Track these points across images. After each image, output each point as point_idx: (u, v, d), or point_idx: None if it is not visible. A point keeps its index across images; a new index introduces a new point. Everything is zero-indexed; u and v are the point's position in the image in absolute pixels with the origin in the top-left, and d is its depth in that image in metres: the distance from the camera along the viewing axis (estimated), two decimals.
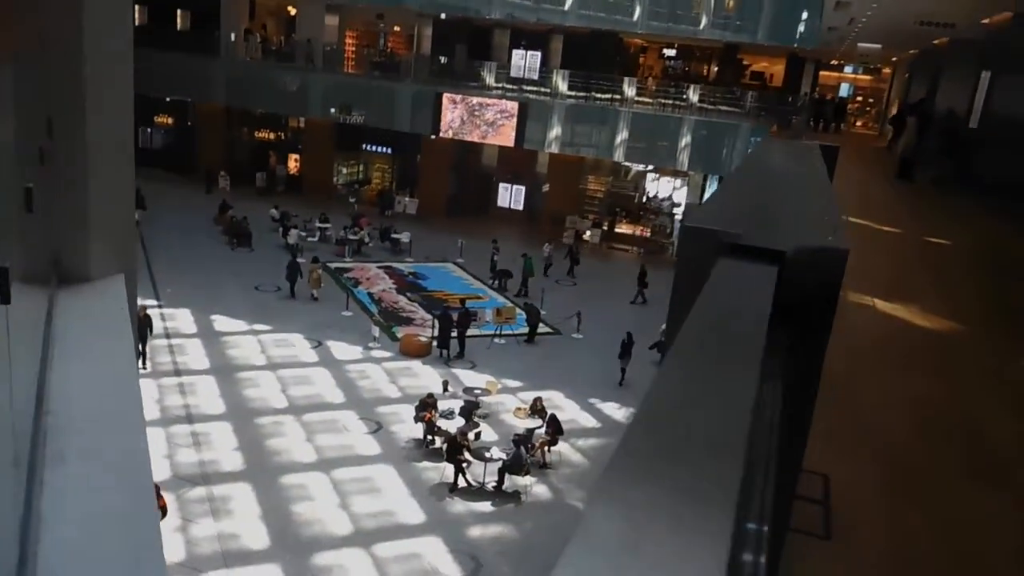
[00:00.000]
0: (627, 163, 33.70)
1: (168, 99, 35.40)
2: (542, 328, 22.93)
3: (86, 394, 2.92)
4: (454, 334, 20.81)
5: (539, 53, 32.62)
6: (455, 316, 21.16)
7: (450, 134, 31.77)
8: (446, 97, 31.33)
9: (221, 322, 21.68)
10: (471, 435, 15.77)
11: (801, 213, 1.89)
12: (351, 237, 28.99)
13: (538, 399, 17.53)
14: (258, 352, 20.22)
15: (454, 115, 31.29)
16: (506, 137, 31.13)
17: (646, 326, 21.83)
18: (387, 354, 20.76)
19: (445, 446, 15.31)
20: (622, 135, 30.20)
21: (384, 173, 38.01)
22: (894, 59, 35.19)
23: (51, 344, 3.18)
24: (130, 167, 4.26)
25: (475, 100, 31.12)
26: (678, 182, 33.86)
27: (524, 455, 15.13)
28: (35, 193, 3.22)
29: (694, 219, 1.41)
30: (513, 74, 32.56)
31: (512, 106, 30.83)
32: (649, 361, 21.26)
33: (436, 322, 21.32)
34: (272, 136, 38.26)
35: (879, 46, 29.69)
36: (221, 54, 34.35)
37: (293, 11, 38.04)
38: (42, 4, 3.46)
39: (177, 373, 18.38)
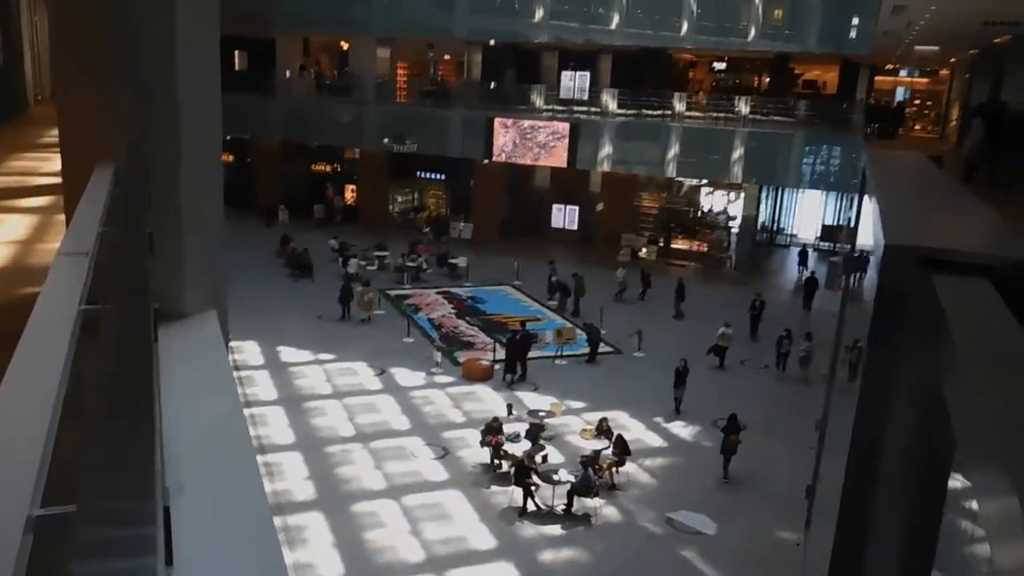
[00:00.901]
0: (680, 178, 33.49)
1: (228, 137, 36.39)
2: (603, 348, 22.81)
3: (198, 426, 3.02)
4: None
5: (588, 73, 32.74)
6: (518, 337, 21.23)
7: (503, 158, 32.01)
8: (497, 121, 31.62)
9: (287, 353, 22.11)
10: (538, 458, 15.72)
11: (971, 224, 1.87)
12: (409, 264, 29.34)
13: (603, 420, 17.41)
14: (323, 381, 20.54)
15: (506, 139, 31.54)
16: (558, 158, 31.26)
17: (698, 343, 21.70)
18: (450, 379, 20.88)
19: (513, 470, 15.29)
20: (674, 150, 30.08)
21: (438, 199, 38.44)
22: (952, 60, 34.34)
23: (159, 378, 3.30)
24: (219, 209, 4.42)
25: (526, 123, 31.34)
26: (732, 195, 33.51)
27: (592, 477, 15.02)
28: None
29: (895, 238, 1.41)
30: (563, 95, 32.72)
31: (563, 127, 30.97)
32: (707, 366, 21.07)
33: (501, 346, 21.36)
34: (328, 168, 39.06)
35: (936, 48, 29.02)
36: (277, 91, 35.28)
37: (346, 46, 38.91)
38: (141, 58, 3.64)
39: (247, 404, 18.74)
